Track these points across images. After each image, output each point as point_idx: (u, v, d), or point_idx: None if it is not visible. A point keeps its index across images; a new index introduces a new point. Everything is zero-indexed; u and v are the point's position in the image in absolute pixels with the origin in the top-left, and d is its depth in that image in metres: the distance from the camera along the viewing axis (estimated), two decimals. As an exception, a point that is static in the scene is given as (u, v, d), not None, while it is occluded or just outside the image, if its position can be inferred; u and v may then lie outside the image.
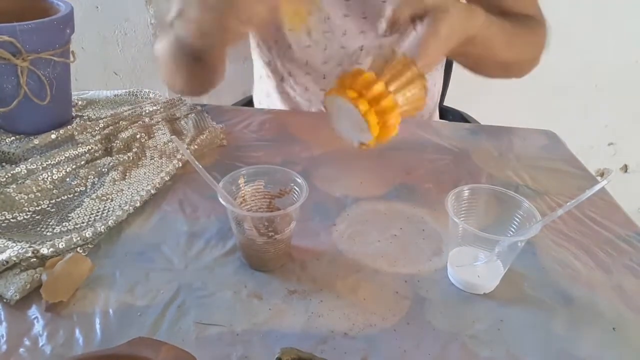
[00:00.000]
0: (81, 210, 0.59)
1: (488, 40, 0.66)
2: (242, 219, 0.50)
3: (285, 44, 0.84)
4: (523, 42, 0.75)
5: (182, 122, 0.77)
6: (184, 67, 0.70)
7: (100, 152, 0.70)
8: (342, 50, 0.83)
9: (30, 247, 0.51)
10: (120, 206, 0.60)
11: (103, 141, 0.71)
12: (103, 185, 0.63)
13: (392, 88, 0.55)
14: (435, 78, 0.96)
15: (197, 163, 0.50)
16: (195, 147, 0.71)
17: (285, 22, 0.66)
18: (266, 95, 0.97)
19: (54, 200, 0.61)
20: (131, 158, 0.68)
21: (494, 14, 0.66)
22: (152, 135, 0.74)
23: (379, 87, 0.55)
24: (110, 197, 0.61)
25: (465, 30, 0.60)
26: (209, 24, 0.57)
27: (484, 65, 0.75)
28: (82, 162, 0.66)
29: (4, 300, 0.48)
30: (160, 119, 0.78)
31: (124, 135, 0.72)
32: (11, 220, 0.57)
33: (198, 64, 0.66)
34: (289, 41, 0.84)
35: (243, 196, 0.54)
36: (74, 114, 0.78)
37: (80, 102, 0.81)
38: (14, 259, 0.49)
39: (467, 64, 0.74)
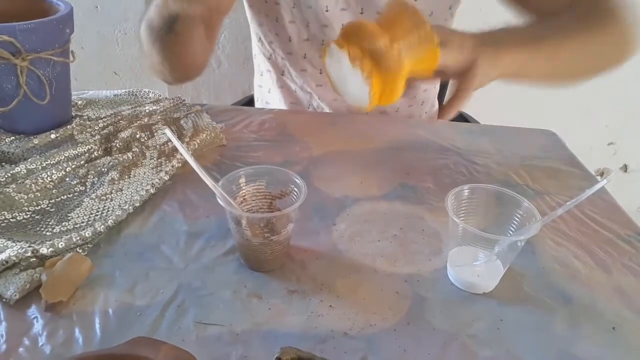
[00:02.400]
0: (81, 210, 0.59)
1: (525, 73, 0.63)
2: (240, 219, 0.50)
3: (285, 37, 0.85)
4: (582, 50, 0.66)
5: (182, 122, 0.77)
6: (158, 41, 0.67)
7: (99, 151, 0.70)
8: None
9: (29, 246, 0.51)
10: (119, 206, 0.60)
11: (103, 141, 0.71)
12: (103, 185, 0.63)
13: (398, 45, 0.50)
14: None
15: (189, 155, 0.49)
16: (195, 147, 0.71)
17: None
18: (267, 91, 0.97)
19: (53, 200, 0.61)
20: (131, 158, 0.68)
21: (544, 24, 0.63)
22: (152, 135, 0.74)
23: (383, 42, 0.49)
24: (110, 197, 0.61)
25: (489, 77, 0.59)
26: None
27: (541, 85, 0.70)
28: (82, 162, 0.66)
29: (4, 300, 0.48)
30: (160, 119, 0.78)
31: (124, 135, 0.72)
32: (11, 220, 0.57)
33: (181, 39, 0.65)
34: (289, 34, 0.84)
35: (244, 196, 0.54)
36: (73, 114, 0.77)
37: (80, 102, 0.81)
38: (14, 258, 0.49)
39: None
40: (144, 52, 0.75)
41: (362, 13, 0.80)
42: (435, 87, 0.99)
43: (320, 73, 0.88)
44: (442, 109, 0.62)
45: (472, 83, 0.58)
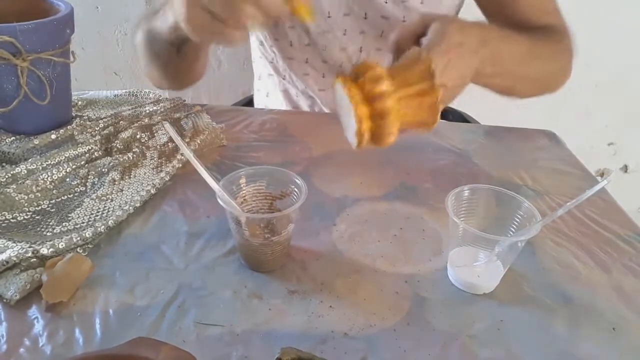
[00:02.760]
0: (81, 211, 0.59)
1: (499, 56, 0.62)
2: (240, 219, 0.50)
3: (287, 42, 0.84)
4: (543, 56, 0.70)
5: (182, 123, 0.77)
6: (161, 57, 0.68)
7: (100, 152, 0.70)
8: (341, 50, 0.83)
9: (30, 247, 0.51)
10: (120, 206, 0.60)
11: (103, 141, 0.71)
12: (103, 185, 0.63)
13: (400, 94, 0.50)
14: None
15: (188, 149, 0.49)
16: (195, 147, 0.71)
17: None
18: (265, 95, 0.97)
19: (54, 201, 0.61)
20: (131, 158, 0.68)
21: (511, 28, 0.64)
22: (152, 136, 0.74)
23: (384, 87, 0.50)
24: (110, 197, 0.61)
25: (480, 37, 0.57)
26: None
27: (505, 86, 0.70)
28: (82, 162, 0.66)
29: (4, 300, 0.48)
30: (160, 119, 0.78)
31: (124, 135, 0.72)
32: (11, 220, 0.57)
33: (177, 54, 0.65)
34: (290, 39, 0.84)
35: (244, 196, 0.54)
36: (74, 114, 0.78)
37: (80, 102, 0.81)
38: (14, 259, 0.49)
39: (488, 86, 0.68)
40: (140, 58, 0.76)
41: (365, 18, 0.80)
42: None
43: (323, 77, 0.87)
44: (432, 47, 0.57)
45: (453, 24, 0.55)
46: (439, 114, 0.53)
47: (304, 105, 0.92)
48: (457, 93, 0.58)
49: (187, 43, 0.63)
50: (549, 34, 0.74)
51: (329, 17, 0.80)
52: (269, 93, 0.96)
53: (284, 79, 0.91)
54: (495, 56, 0.60)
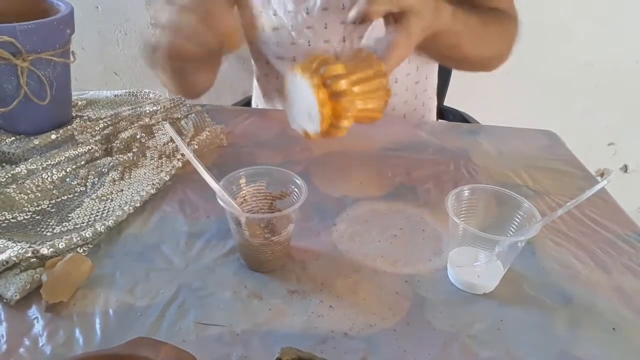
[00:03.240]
0: (81, 211, 0.59)
1: (454, 36, 0.66)
2: (240, 219, 0.50)
3: (274, 43, 0.85)
4: (491, 38, 0.75)
5: (182, 122, 0.77)
6: (175, 74, 0.68)
7: (100, 152, 0.70)
8: (326, 43, 0.84)
9: (30, 247, 0.51)
10: (120, 206, 0.60)
11: (103, 141, 0.71)
12: (103, 185, 0.63)
13: (356, 89, 0.53)
14: (430, 75, 0.95)
15: (188, 148, 0.49)
16: (196, 147, 0.71)
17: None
18: (262, 94, 0.98)
19: (54, 201, 0.61)
20: (131, 158, 0.68)
21: (465, 7, 0.66)
22: (152, 136, 0.74)
23: (343, 84, 0.52)
24: (110, 197, 0.61)
25: (431, 28, 0.60)
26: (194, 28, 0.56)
27: (449, 59, 0.76)
28: (82, 162, 0.66)
29: (4, 300, 0.48)
30: (160, 119, 0.78)
31: (124, 135, 0.72)
32: (11, 220, 0.57)
33: (187, 69, 0.67)
34: (276, 39, 0.84)
35: (244, 196, 0.54)
36: (74, 114, 0.78)
37: (80, 102, 0.81)
38: (14, 259, 0.49)
39: (432, 56, 0.75)
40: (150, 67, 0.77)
41: (343, 9, 0.80)
42: (428, 80, 0.99)
43: None
44: (386, 55, 0.58)
45: (417, 25, 0.57)
46: (389, 96, 0.57)
47: None
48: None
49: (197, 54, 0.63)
50: (500, 18, 0.77)
51: (307, 13, 0.81)
52: (265, 93, 0.97)
53: (277, 78, 0.91)
54: (450, 39, 0.65)
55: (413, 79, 0.91)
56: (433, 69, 0.96)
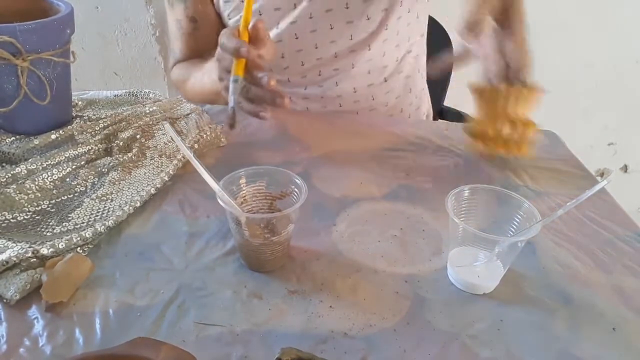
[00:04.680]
0: (81, 211, 0.59)
1: None
2: (239, 219, 0.50)
3: (278, 56, 0.86)
4: None
5: (182, 122, 0.77)
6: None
7: (100, 152, 0.70)
8: (332, 42, 0.84)
9: (30, 247, 0.51)
10: (120, 206, 0.60)
11: (103, 141, 0.71)
12: (103, 185, 0.63)
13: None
14: (418, 49, 0.96)
15: (188, 148, 0.49)
16: (196, 147, 0.71)
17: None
18: None
19: (54, 201, 0.61)
20: (131, 158, 0.68)
21: None
22: (152, 136, 0.74)
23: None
24: (110, 197, 0.61)
25: None
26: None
27: None
28: (82, 162, 0.66)
29: (4, 300, 0.48)
30: (160, 119, 0.78)
31: (124, 135, 0.72)
32: (11, 220, 0.57)
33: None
34: (281, 51, 0.85)
35: (244, 196, 0.54)
36: (74, 114, 0.78)
37: (80, 102, 0.81)
38: (14, 259, 0.49)
39: None
40: (185, 93, 0.90)
41: (347, 7, 0.81)
42: (424, 76, 0.99)
43: (319, 75, 0.88)
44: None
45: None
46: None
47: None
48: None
49: None
50: None
51: (310, 17, 0.81)
52: None
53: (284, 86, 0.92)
54: None
55: (403, 74, 0.92)
56: (421, 59, 0.96)
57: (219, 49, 0.66)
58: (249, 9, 0.66)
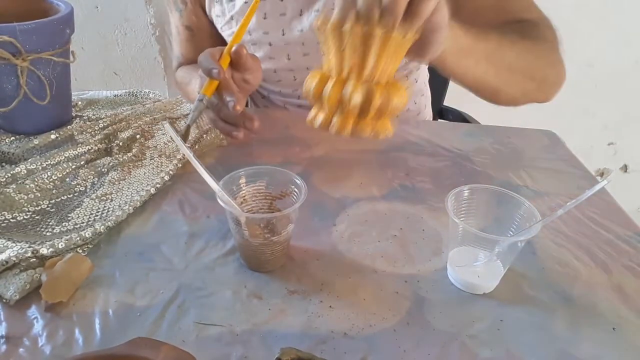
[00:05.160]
0: (81, 211, 0.59)
1: (471, 54, 0.60)
2: (239, 219, 0.50)
3: (276, 91, 0.88)
4: (522, 57, 0.67)
5: (182, 122, 0.77)
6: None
7: (100, 152, 0.70)
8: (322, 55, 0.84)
9: (29, 247, 0.51)
10: (120, 206, 0.60)
11: (103, 141, 0.71)
12: (103, 185, 0.63)
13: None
14: (421, 74, 0.95)
15: (187, 148, 0.49)
16: (196, 147, 0.71)
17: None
18: (254, 104, 0.99)
19: (53, 201, 0.61)
20: (131, 158, 0.68)
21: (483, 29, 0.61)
22: (152, 135, 0.74)
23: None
24: (110, 197, 0.61)
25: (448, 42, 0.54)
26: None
27: (482, 89, 0.67)
28: (82, 162, 0.66)
29: (4, 300, 0.48)
30: (160, 119, 0.78)
31: (124, 135, 0.72)
32: (11, 220, 0.57)
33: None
34: (279, 78, 0.87)
35: (244, 196, 0.54)
36: (74, 114, 0.78)
37: (80, 102, 0.81)
38: (14, 259, 0.49)
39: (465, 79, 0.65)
40: (184, 93, 0.88)
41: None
42: (426, 83, 0.99)
43: (299, 98, 0.89)
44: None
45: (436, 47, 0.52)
46: None
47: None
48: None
49: None
50: (523, 28, 0.69)
51: (303, 44, 0.81)
52: (255, 104, 0.99)
53: (262, 97, 0.94)
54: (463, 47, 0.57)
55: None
56: (422, 67, 0.96)
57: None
58: (240, 33, 0.67)
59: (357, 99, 0.50)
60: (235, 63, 0.65)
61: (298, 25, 0.79)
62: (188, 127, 0.64)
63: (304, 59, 0.83)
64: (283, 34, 0.80)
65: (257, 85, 0.70)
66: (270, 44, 0.82)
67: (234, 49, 0.65)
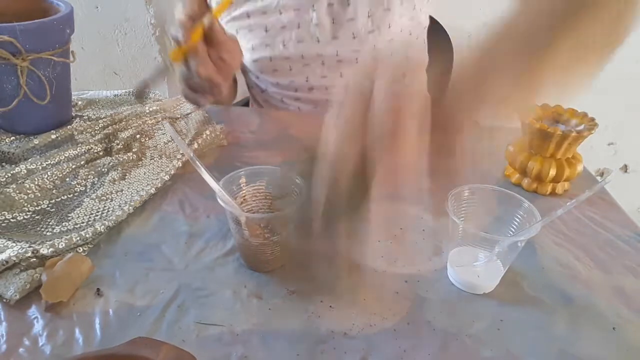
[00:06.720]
0: (81, 210, 0.59)
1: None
2: (239, 219, 0.50)
3: (278, 101, 0.90)
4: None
5: (182, 122, 0.77)
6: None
7: (100, 152, 0.70)
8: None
9: (30, 247, 0.51)
10: (120, 206, 0.60)
11: (103, 141, 0.71)
12: (103, 185, 0.63)
13: None
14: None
15: (188, 148, 0.49)
16: (196, 147, 0.71)
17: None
18: (253, 101, 0.99)
19: (53, 200, 0.61)
20: (131, 158, 0.68)
21: None
22: (152, 135, 0.74)
23: None
24: (110, 197, 0.61)
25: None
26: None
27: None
28: (82, 162, 0.66)
29: (4, 300, 0.48)
30: (160, 119, 0.78)
31: (124, 135, 0.72)
32: (11, 220, 0.57)
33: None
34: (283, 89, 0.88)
35: (244, 196, 0.54)
36: (74, 114, 0.78)
37: (80, 102, 0.81)
38: (14, 259, 0.49)
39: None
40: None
41: (336, 38, 0.84)
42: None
43: (296, 91, 0.90)
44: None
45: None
46: None
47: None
48: None
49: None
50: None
51: (302, 57, 0.83)
52: (255, 101, 0.99)
53: (262, 92, 0.95)
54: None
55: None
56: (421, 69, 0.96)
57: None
58: (218, 13, 0.65)
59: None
60: (209, 39, 0.64)
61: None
62: (144, 85, 0.64)
63: (319, 57, 0.84)
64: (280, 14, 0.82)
65: (236, 67, 0.70)
66: (266, 30, 0.83)
67: (207, 24, 0.63)
